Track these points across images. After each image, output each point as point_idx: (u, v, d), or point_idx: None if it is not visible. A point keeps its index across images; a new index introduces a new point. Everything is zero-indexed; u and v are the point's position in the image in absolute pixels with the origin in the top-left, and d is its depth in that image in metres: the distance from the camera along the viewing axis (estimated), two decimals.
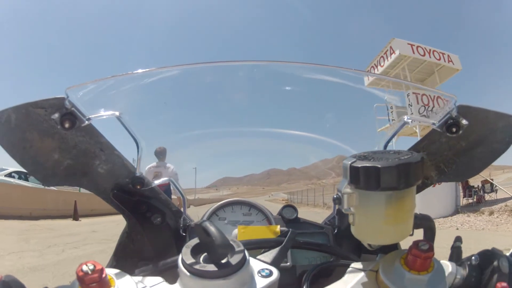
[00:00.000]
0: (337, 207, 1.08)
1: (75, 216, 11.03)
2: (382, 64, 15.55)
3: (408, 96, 13.49)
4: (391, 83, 15.64)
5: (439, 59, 14.51)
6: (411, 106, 12.93)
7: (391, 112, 13.45)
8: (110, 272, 0.50)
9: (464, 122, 0.70)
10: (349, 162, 0.53)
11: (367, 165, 0.51)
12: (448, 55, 14.70)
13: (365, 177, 0.51)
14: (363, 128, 1.05)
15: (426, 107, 13.09)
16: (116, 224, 3.95)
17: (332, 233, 1.05)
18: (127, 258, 0.92)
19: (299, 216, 1.09)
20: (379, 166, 0.49)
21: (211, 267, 0.47)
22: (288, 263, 0.94)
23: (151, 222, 0.90)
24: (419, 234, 0.67)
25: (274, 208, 1.16)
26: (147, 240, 0.92)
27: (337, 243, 1.02)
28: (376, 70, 15.99)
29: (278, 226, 0.94)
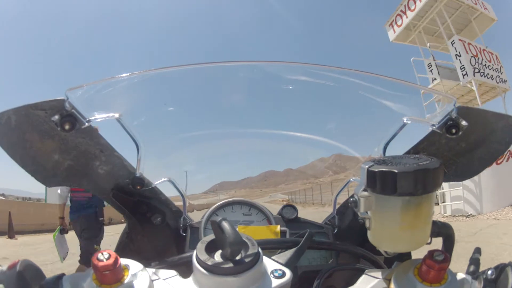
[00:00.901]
0: (337, 206, 1.08)
1: (10, 234, 8.83)
2: (412, 8, 12.08)
3: (453, 44, 11.08)
4: (424, 34, 12.55)
5: (475, 4, 11.94)
6: (460, 56, 10.82)
7: (431, 70, 11.40)
8: (125, 261, 0.50)
9: (464, 123, 0.70)
10: (367, 166, 0.53)
11: (384, 169, 0.50)
12: (482, 2, 12.22)
13: (382, 181, 0.50)
14: (360, 126, 1.04)
15: (476, 58, 11.04)
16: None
17: (332, 232, 1.05)
18: (127, 258, 0.93)
19: (299, 215, 1.09)
20: (396, 171, 0.49)
21: (224, 264, 0.48)
22: None
23: (151, 222, 0.91)
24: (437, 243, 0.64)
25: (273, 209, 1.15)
26: (147, 240, 0.93)
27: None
28: (404, 17, 12.63)
29: (278, 226, 0.94)
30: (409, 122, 0.78)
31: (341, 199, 1.07)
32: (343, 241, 1.02)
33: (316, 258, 0.97)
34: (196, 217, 1.05)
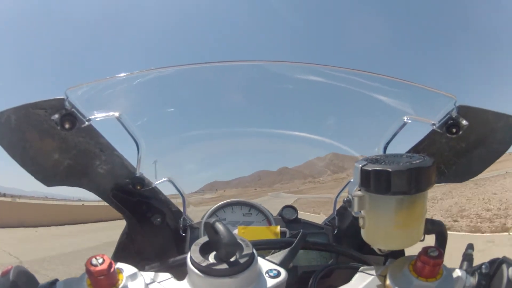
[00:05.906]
0: (337, 207, 1.08)
1: None
2: None
3: None
4: None
5: None
6: None
7: None
8: (119, 266, 0.50)
9: (464, 122, 0.70)
10: (360, 165, 0.52)
11: (378, 168, 0.50)
12: None
13: (376, 180, 0.50)
14: (360, 125, 1.04)
15: None
16: None
17: (332, 233, 1.05)
18: (127, 258, 0.92)
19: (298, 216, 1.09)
20: (390, 170, 0.49)
21: (219, 265, 0.48)
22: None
23: (151, 223, 0.91)
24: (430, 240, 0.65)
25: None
26: (147, 241, 0.92)
27: (337, 244, 1.01)
28: None
29: (278, 227, 0.94)
30: (409, 121, 0.78)
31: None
32: (343, 242, 1.02)
33: (316, 258, 0.97)
34: (194, 214, 1.05)
